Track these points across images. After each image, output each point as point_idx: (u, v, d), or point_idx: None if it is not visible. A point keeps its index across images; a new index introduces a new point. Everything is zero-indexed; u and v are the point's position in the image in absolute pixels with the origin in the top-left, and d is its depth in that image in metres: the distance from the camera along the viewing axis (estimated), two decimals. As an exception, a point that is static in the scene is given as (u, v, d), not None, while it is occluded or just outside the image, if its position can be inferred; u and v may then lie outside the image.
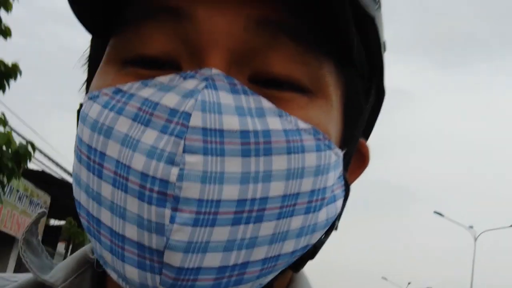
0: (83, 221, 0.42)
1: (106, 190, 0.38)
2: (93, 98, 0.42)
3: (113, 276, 0.39)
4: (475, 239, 21.15)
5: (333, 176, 0.43)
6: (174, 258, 0.36)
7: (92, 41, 0.49)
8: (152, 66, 0.41)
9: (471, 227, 22.80)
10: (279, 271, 0.42)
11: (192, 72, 0.39)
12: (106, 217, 0.39)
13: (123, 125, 0.38)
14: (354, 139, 0.47)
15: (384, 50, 0.49)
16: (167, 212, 0.35)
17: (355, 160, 0.50)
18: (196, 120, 0.36)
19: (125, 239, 0.37)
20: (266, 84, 0.41)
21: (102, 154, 0.39)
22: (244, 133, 0.37)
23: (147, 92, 0.39)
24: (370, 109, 0.49)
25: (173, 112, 0.37)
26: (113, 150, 0.38)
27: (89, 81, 0.49)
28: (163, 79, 0.39)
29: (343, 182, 0.46)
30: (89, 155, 0.40)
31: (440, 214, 20.51)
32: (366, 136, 0.53)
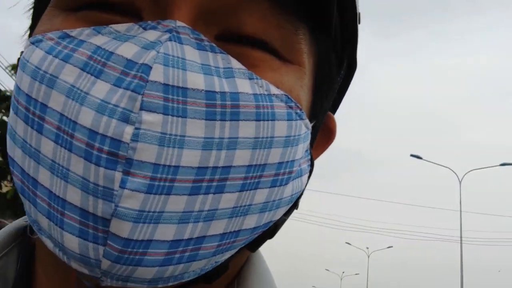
0: (16, 181, 0.37)
1: (47, 147, 0.33)
2: (35, 43, 0.36)
3: (49, 245, 0.34)
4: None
5: (302, 149, 0.39)
6: (122, 228, 0.31)
7: None
8: (109, 10, 0.36)
9: (367, 248, 30.48)
10: (237, 248, 0.38)
11: (153, 23, 0.34)
12: (44, 177, 0.34)
13: (69, 74, 0.34)
14: (323, 112, 0.44)
15: (359, 21, 0.46)
16: (118, 175, 0.31)
17: (321, 134, 0.47)
18: (157, 75, 0.32)
19: (66, 204, 0.33)
20: (235, 41, 0.37)
21: (44, 106, 0.34)
22: (210, 94, 0.33)
23: (99, 40, 0.34)
24: (340, 82, 0.47)
25: (130, 63, 0.32)
26: (56, 102, 0.33)
27: (32, 28, 0.43)
28: (120, 27, 0.35)
29: (309, 157, 0.42)
30: (28, 106, 0.35)
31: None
32: (333, 110, 0.51)
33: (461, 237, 18.28)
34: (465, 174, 19.29)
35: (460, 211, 18.25)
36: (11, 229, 0.46)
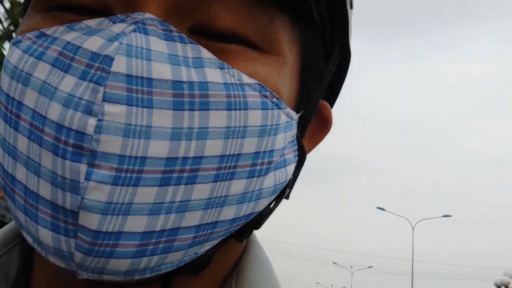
0: (0, 180, 0.37)
1: (22, 143, 0.34)
2: (16, 44, 0.37)
3: (29, 240, 0.35)
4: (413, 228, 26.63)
5: (283, 139, 0.39)
6: (90, 220, 0.32)
7: None
8: (81, 13, 0.37)
9: (351, 267, 36.66)
10: (217, 239, 0.38)
11: (123, 16, 0.35)
12: (21, 173, 0.34)
13: (42, 71, 0.34)
14: (312, 101, 0.43)
15: (351, 7, 0.45)
16: (83, 167, 0.31)
17: (316, 124, 0.46)
18: (119, 66, 0.32)
19: (39, 198, 0.33)
20: (209, 36, 0.36)
21: (20, 104, 0.35)
22: (176, 84, 0.33)
23: (71, 36, 0.35)
24: (332, 70, 0.45)
25: (94, 56, 0.32)
26: (30, 99, 0.34)
27: None
28: (91, 22, 0.35)
29: (296, 147, 0.42)
30: (7, 105, 0.36)
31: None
32: (331, 100, 0.50)
33: (412, 272, 24.44)
34: (417, 223, 25.53)
35: (412, 253, 24.36)
36: (13, 226, 0.46)
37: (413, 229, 25.12)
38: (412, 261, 24.15)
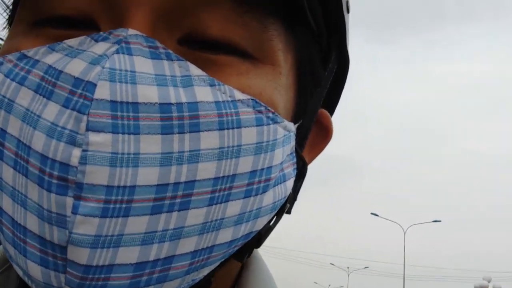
0: None
1: (7, 173, 0.33)
2: None
3: (19, 272, 0.34)
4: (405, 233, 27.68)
5: (282, 153, 0.37)
6: (79, 255, 0.30)
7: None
8: (66, 26, 0.35)
9: (348, 267, 37.81)
10: (216, 263, 0.36)
11: (105, 34, 0.33)
12: (7, 204, 0.33)
13: (24, 98, 0.33)
14: (310, 110, 0.42)
15: (348, 11, 0.44)
16: (69, 200, 0.30)
17: (316, 133, 0.45)
18: (102, 92, 0.30)
19: (27, 232, 0.32)
20: (200, 47, 0.35)
21: (3, 132, 0.33)
22: (164, 106, 0.31)
23: (53, 58, 0.33)
24: (331, 78, 0.44)
25: (77, 82, 0.31)
26: (14, 127, 0.33)
27: None
28: (73, 42, 0.34)
29: (295, 160, 0.40)
30: None
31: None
32: (330, 108, 0.48)
33: (404, 274, 25.57)
34: (408, 228, 26.61)
35: (404, 256, 25.46)
36: None
37: (404, 233, 25.98)
38: (404, 264, 25.05)
